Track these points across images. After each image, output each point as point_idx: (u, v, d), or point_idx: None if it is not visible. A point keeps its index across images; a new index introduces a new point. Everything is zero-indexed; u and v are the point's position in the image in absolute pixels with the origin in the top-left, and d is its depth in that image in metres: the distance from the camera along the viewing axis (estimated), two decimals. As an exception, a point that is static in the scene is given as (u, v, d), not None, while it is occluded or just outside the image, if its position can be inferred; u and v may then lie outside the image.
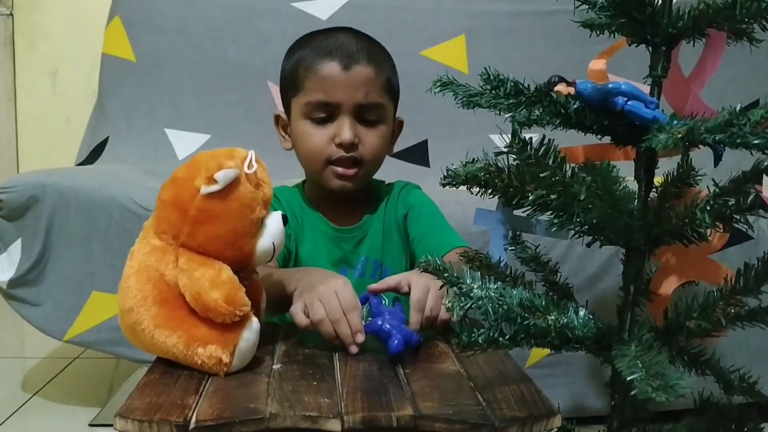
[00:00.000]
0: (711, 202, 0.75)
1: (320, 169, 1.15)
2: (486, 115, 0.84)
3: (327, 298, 0.91)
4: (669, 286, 0.95)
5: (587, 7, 0.83)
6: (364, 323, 0.90)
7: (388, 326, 0.87)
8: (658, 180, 0.86)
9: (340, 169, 1.14)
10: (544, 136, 0.76)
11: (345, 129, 1.12)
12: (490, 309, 0.76)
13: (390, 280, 0.99)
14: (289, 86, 1.18)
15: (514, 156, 0.77)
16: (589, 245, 0.82)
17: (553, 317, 0.78)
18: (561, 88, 0.81)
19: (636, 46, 0.85)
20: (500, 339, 0.79)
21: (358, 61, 1.12)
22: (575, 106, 0.80)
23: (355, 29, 1.20)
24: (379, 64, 1.15)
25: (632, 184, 0.83)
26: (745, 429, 0.96)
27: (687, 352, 0.91)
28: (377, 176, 1.24)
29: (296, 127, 1.17)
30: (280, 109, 1.24)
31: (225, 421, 0.70)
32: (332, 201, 1.20)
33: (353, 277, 1.17)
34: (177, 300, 0.83)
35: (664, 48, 0.82)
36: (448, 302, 0.77)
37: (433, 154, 1.86)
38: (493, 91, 0.80)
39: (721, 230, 0.80)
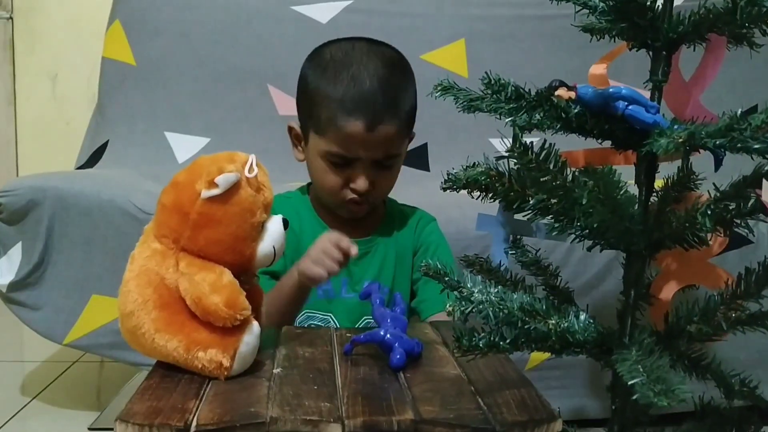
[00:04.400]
0: (712, 207, 0.76)
1: (332, 202, 1.18)
2: (486, 119, 0.85)
3: (317, 245, 1.04)
4: (669, 290, 0.95)
5: (588, 11, 0.83)
6: (361, 330, 0.90)
7: (390, 337, 0.87)
8: (658, 184, 0.86)
9: (352, 207, 1.17)
10: (544, 141, 0.76)
11: (361, 180, 1.13)
12: (490, 313, 0.76)
13: None
14: (309, 116, 1.17)
15: (515, 160, 0.78)
16: (589, 249, 0.82)
17: (553, 321, 0.78)
18: (562, 92, 0.81)
19: (636, 51, 0.85)
20: (501, 343, 0.79)
21: (382, 121, 1.11)
22: (576, 110, 0.80)
23: (379, 53, 1.17)
24: (401, 115, 1.14)
25: (633, 189, 0.83)
26: (746, 433, 0.96)
27: (688, 357, 0.91)
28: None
29: (313, 159, 1.17)
30: (286, 114, 1.23)
31: (226, 425, 0.70)
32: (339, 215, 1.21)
33: (356, 296, 1.16)
34: (177, 304, 0.83)
35: (664, 52, 0.82)
36: (449, 306, 0.77)
37: (433, 158, 1.86)
38: (494, 96, 0.81)
39: (722, 235, 0.80)
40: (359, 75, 1.12)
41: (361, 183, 1.13)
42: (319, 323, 1.17)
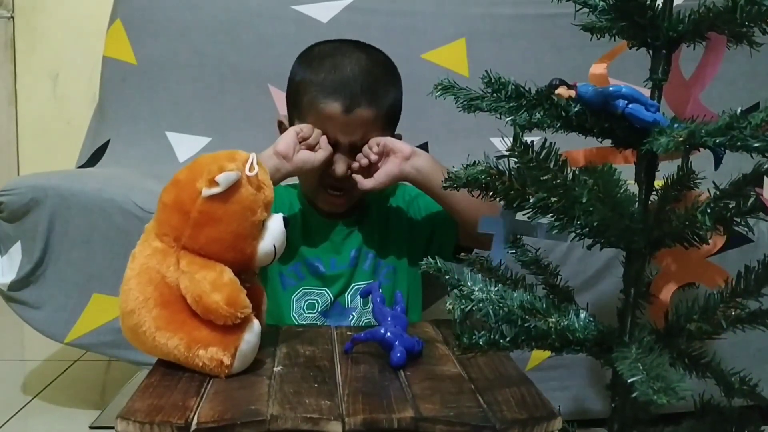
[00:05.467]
0: (711, 205, 0.76)
1: (313, 189, 1.22)
2: (487, 118, 0.85)
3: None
4: (669, 289, 0.95)
5: (588, 10, 0.83)
6: (361, 328, 0.91)
7: (390, 335, 0.87)
8: (658, 183, 0.86)
9: (331, 198, 1.20)
10: (545, 140, 0.76)
11: (339, 165, 1.17)
12: (491, 311, 0.76)
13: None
14: (293, 105, 1.22)
15: (515, 159, 0.78)
16: (589, 248, 0.82)
17: (553, 319, 0.78)
18: (562, 91, 0.81)
19: (637, 50, 0.85)
20: (501, 341, 0.79)
21: (360, 104, 1.15)
22: (576, 109, 0.80)
23: (364, 48, 1.23)
24: (380, 102, 1.18)
25: (633, 187, 0.83)
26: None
27: (688, 355, 0.91)
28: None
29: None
30: (283, 113, 1.27)
31: (226, 423, 0.70)
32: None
33: (345, 267, 1.21)
34: (178, 302, 0.83)
35: (664, 51, 0.82)
36: (449, 304, 0.77)
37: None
38: (494, 95, 0.81)
39: (722, 233, 0.80)
40: (341, 63, 1.18)
41: (339, 167, 1.16)
42: (316, 297, 1.20)
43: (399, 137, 1.25)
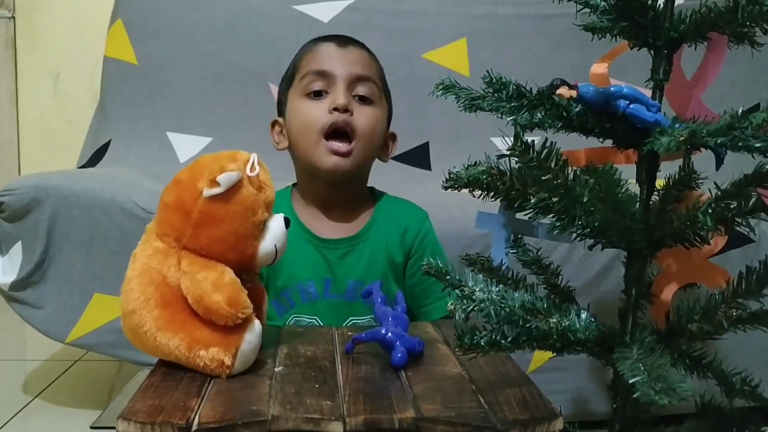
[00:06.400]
0: (713, 205, 0.76)
1: (315, 143, 1.14)
2: (488, 118, 0.85)
3: None
4: (670, 289, 0.95)
5: (589, 10, 0.83)
6: (362, 329, 0.91)
7: (391, 336, 0.87)
8: (659, 183, 0.86)
9: (334, 144, 1.13)
10: (546, 139, 0.76)
11: (340, 94, 1.14)
12: (492, 311, 0.76)
13: None
14: (288, 82, 1.22)
15: (516, 159, 0.78)
16: (590, 248, 0.82)
17: (554, 320, 0.78)
18: (563, 91, 0.81)
19: (638, 50, 0.85)
20: (502, 341, 0.79)
21: (354, 44, 1.21)
22: (577, 109, 0.81)
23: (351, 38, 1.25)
24: (372, 55, 1.22)
25: (634, 187, 0.83)
26: (747, 432, 0.96)
27: (689, 355, 0.91)
28: (381, 185, 1.24)
29: (292, 109, 1.18)
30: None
31: (227, 423, 0.70)
32: (324, 202, 1.19)
33: (342, 300, 1.15)
34: (179, 302, 0.83)
35: (665, 51, 0.82)
36: (450, 304, 0.77)
37: (435, 157, 1.86)
38: (496, 94, 0.81)
39: (723, 233, 0.80)
40: (329, 36, 1.23)
41: (340, 98, 1.14)
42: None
43: (394, 137, 1.25)
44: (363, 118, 1.15)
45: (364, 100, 1.17)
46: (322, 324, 1.15)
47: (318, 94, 1.16)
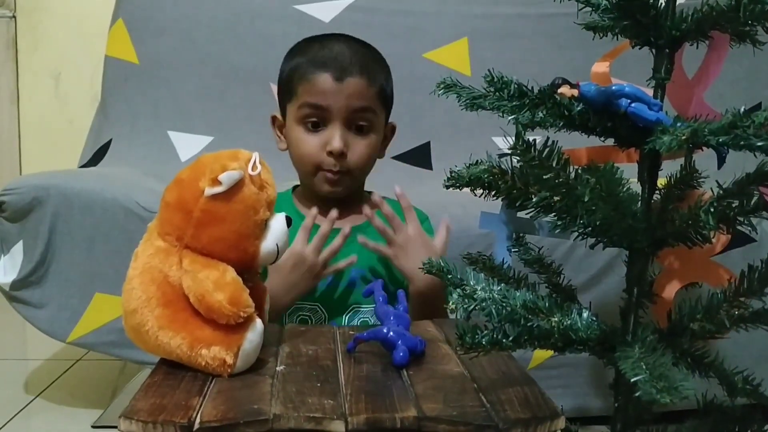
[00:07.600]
0: (714, 204, 0.76)
1: (311, 173, 1.19)
2: (489, 117, 0.85)
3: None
4: (672, 288, 0.95)
5: (590, 9, 0.83)
6: (364, 328, 0.91)
7: (392, 335, 0.87)
8: (661, 182, 0.86)
9: (329, 175, 1.17)
10: (547, 138, 0.76)
11: (335, 138, 1.15)
12: (493, 310, 0.76)
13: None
14: (285, 92, 1.21)
15: (518, 158, 0.78)
16: (592, 247, 0.82)
17: (556, 319, 0.78)
18: (564, 90, 0.81)
19: (639, 49, 0.85)
20: (504, 340, 0.79)
21: (351, 74, 1.15)
22: (579, 108, 0.80)
23: (352, 37, 1.23)
24: (371, 75, 1.17)
25: (635, 186, 0.83)
26: (749, 431, 0.96)
27: (691, 354, 0.91)
28: (382, 185, 1.24)
29: (290, 132, 1.20)
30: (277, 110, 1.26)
31: (229, 422, 0.70)
32: (324, 203, 1.20)
33: (344, 287, 1.18)
34: (181, 301, 0.83)
35: (667, 50, 0.82)
36: (452, 303, 0.77)
37: (436, 156, 1.86)
38: (497, 93, 0.81)
39: (725, 232, 0.80)
40: (329, 43, 1.20)
41: (335, 142, 1.14)
42: (308, 314, 1.17)
43: (393, 128, 1.25)
44: (357, 153, 1.17)
45: (361, 129, 1.17)
46: (324, 311, 1.17)
47: (315, 125, 1.17)
